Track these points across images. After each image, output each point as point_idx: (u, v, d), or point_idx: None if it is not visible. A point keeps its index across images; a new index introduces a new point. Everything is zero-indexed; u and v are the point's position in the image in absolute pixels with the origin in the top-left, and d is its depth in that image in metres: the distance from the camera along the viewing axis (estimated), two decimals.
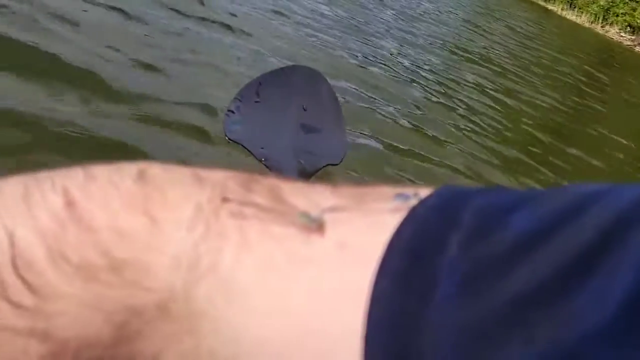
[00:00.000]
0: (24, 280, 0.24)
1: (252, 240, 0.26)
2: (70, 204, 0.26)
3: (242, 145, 1.14)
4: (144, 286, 0.25)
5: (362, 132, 2.99)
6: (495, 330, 0.20)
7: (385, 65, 4.69)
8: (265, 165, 1.09)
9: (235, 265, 0.25)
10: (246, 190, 0.28)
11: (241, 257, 0.25)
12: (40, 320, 0.24)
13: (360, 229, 0.26)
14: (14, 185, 0.27)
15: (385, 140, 3.10)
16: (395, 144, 3.11)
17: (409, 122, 3.58)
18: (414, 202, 0.26)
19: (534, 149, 4.22)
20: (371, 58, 4.71)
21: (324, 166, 1.11)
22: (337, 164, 1.15)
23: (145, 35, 2.97)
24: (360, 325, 0.22)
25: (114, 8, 3.08)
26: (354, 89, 3.71)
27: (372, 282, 0.23)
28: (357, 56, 4.60)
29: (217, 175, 0.29)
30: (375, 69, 4.40)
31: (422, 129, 3.52)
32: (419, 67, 5.10)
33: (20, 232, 0.25)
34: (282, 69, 1.51)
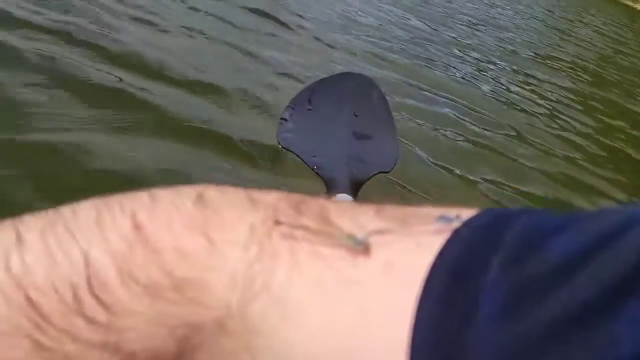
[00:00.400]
0: (97, 299, 0.26)
1: (303, 261, 0.27)
2: (137, 226, 0.28)
3: (294, 153, 1.16)
4: (204, 303, 0.27)
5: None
6: (534, 352, 0.21)
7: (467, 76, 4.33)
8: (316, 173, 1.10)
9: (287, 285, 0.27)
10: (296, 212, 0.30)
11: (292, 277, 0.27)
12: (112, 334, 0.26)
13: (404, 251, 0.27)
14: (87, 209, 0.29)
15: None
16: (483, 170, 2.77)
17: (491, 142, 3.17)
18: (456, 224, 0.27)
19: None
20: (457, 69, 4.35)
21: (375, 174, 1.12)
22: (388, 172, 1.15)
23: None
24: (405, 344, 0.24)
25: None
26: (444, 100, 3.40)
27: (417, 303, 0.24)
28: (452, 71, 4.23)
29: (269, 198, 0.31)
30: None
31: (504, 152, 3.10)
32: (506, 73, 4.55)
33: (94, 253, 0.27)
34: (333, 75, 1.53)
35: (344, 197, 1.01)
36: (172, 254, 0.28)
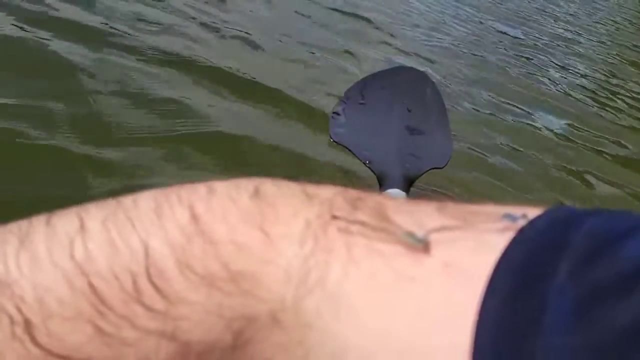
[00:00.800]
0: (156, 287, 0.27)
1: (359, 257, 0.27)
2: (194, 218, 0.28)
3: (346, 148, 1.16)
4: (258, 296, 0.27)
5: None
6: None
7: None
8: (369, 167, 1.10)
9: (342, 280, 0.26)
10: (352, 207, 0.29)
11: (348, 272, 0.26)
12: (169, 323, 0.27)
13: (466, 249, 0.26)
14: (147, 199, 0.30)
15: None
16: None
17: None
18: (522, 222, 0.26)
19: None
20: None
21: (428, 170, 1.10)
22: (441, 168, 1.13)
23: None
24: (467, 345, 0.23)
25: None
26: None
27: (480, 303, 0.23)
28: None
29: (325, 192, 0.31)
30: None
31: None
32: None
33: (153, 243, 0.28)
34: (386, 70, 1.51)
35: (396, 192, 1.00)
36: (229, 246, 0.28)
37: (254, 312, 0.27)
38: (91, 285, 0.27)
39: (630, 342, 0.20)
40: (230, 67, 2.13)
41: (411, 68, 1.46)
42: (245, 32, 2.47)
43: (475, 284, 0.24)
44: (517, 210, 0.27)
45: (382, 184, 1.04)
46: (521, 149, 2.26)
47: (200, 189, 0.30)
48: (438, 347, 0.24)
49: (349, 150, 1.15)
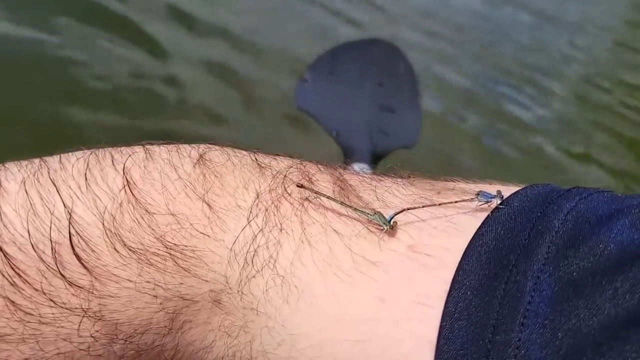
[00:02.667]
0: (80, 260, 0.23)
1: (315, 237, 0.24)
2: (129, 184, 0.25)
3: (311, 116, 1.11)
4: (198, 275, 0.24)
5: None
6: (588, 350, 0.18)
7: None
8: (335, 140, 1.06)
9: (295, 262, 0.23)
10: (309, 182, 0.26)
11: (302, 253, 0.24)
12: (94, 300, 0.23)
13: (435, 231, 0.23)
14: (76, 160, 0.26)
15: None
16: None
17: None
18: (496, 202, 0.24)
19: None
20: None
21: (397, 148, 1.08)
22: (410, 148, 1.10)
23: None
24: (432, 336, 0.20)
25: None
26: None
27: (448, 290, 0.21)
28: None
29: (280, 164, 0.28)
30: None
31: None
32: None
33: (79, 210, 0.24)
34: (359, 40, 1.47)
35: (363, 167, 0.97)
36: (166, 217, 0.24)
37: (193, 293, 0.24)
38: (4, 254, 0.23)
39: (610, 336, 0.18)
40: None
41: (386, 41, 1.42)
42: None
43: (443, 269, 0.22)
44: (491, 188, 0.25)
45: (348, 157, 1.01)
46: (499, 130, 2.19)
47: (138, 152, 0.27)
48: (400, 337, 0.21)
49: (315, 119, 1.10)
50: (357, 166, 0.96)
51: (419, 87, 1.25)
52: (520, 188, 0.25)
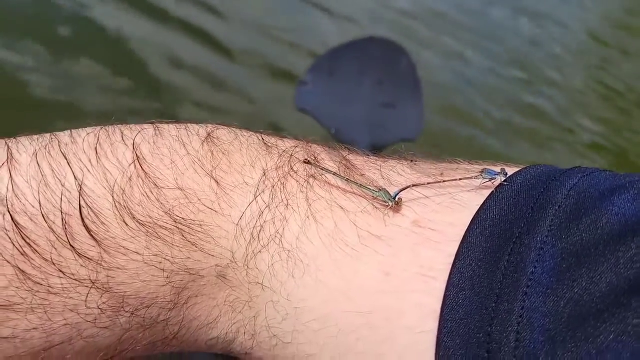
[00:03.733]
0: (89, 232, 0.24)
1: (320, 212, 0.24)
2: (139, 159, 0.25)
3: (311, 115, 1.12)
4: (205, 249, 0.24)
5: None
6: (590, 318, 0.18)
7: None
8: (333, 136, 1.06)
9: (301, 237, 0.24)
10: (316, 161, 0.27)
11: (308, 229, 0.24)
12: (102, 272, 0.24)
13: (439, 207, 0.24)
14: (86, 135, 0.26)
15: None
16: None
17: None
18: (500, 179, 0.24)
19: None
20: None
21: (397, 142, 1.08)
22: (412, 141, 1.11)
23: None
24: (436, 306, 0.21)
25: None
26: None
27: (453, 262, 0.21)
28: None
29: (286, 144, 0.28)
30: None
31: None
32: None
33: (89, 182, 0.24)
34: (359, 40, 1.47)
35: None
36: (175, 192, 0.25)
37: (200, 267, 0.24)
38: (16, 224, 0.23)
39: (611, 304, 0.18)
40: None
41: (385, 39, 1.42)
42: None
43: (447, 243, 0.22)
44: (494, 167, 0.25)
45: None
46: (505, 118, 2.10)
47: (148, 129, 0.27)
48: (404, 309, 0.21)
49: (314, 118, 1.11)
50: None
51: (421, 81, 1.25)
52: (523, 167, 0.25)
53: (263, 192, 0.25)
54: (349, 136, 1.04)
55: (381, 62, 1.25)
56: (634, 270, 0.19)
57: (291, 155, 0.27)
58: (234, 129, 0.28)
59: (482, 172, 0.24)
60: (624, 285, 0.18)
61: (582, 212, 0.21)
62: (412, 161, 0.26)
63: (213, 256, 0.24)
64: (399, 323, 0.21)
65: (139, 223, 0.24)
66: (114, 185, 0.24)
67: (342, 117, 1.10)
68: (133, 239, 0.24)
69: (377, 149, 1.02)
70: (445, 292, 0.21)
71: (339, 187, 0.25)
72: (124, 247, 0.24)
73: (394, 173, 0.26)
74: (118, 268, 0.24)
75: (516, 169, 0.25)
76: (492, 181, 0.24)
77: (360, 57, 1.25)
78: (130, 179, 0.25)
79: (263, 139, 0.28)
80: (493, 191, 0.23)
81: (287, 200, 0.25)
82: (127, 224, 0.24)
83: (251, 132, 0.29)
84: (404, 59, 1.23)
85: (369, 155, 0.28)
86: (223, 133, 0.28)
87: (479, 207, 0.23)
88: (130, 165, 0.25)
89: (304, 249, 0.24)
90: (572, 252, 0.20)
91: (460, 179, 0.25)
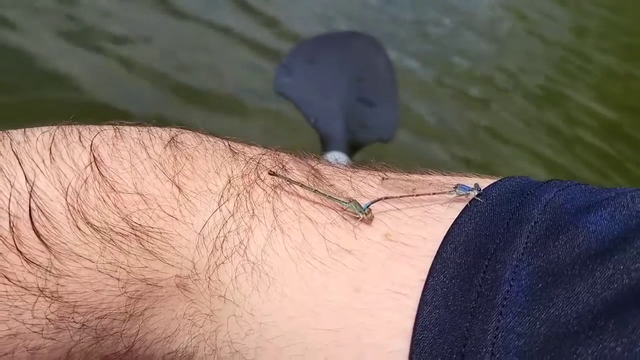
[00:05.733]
0: (39, 236, 0.22)
1: (287, 223, 0.23)
2: (96, 161, 0.24)
3: (290, 100, 1.09)
4: (164, 259, 0.23)
5: None
6: (566, 340, 0.18)
7: None
8: (314, 126, 1.05)
9: (266, 249, 0.23)
10: (283, 170, 0.26)
11: (274, 240, 0.23)
12: (51, 279, 0.22)
13: (412, 220, 0.23)
14: (41, 134, 0.25)
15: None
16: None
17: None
18: (474, 193, 0.23)
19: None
20: None
21: (373, 141, 1.07)
22: (386, 142, 1.10)
23: None
24: (407, 325, 0.20)
25: None
26: None
27: (426, 279, 0.21)
28: None
29: (253, 151, 0.27)
30: None
31: None
32: None
33: (41, 184, 0.23)
34: (341, 32, 1.45)
35: (340, 155, 0.96)
36: (133, 197, 0.23)
37: (157, 277, 0.23)
38: None
39: (588, 327, 0.18)
40: None
41: (366, 35, 1.41)
42: None
43: (420, 258, 0.21)
44: (468, 181, 0.24)
45: (326, 145, 1.00)
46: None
47: (108, 130, 0.25)
48: (374, 327, 0.21)
49: (294, 104, 1.09)
50: (334, 154, 0.96)
51: (396, 83, 1.25)
52: (497, 180, 0.24)
53: (227, 200, 0.24)
54: (328, 129, 1.03)
55: (361, 57, 1.24)
56: (611, 291, 0.18)
57: (258, 163, 0.25)
58: (199, 134, 0.27)
59: (455, 187, 0.24)
60: (601, 306, 0.18)
61: (558, 229, 0.21)
62: (383, 178, 0.25)
63: (172, 266, 0.23)
64: (369, 341, 0.20)
65: (94, 228, 0.22)
66: (68, 188, 0.23)
67: (321, 107, 1.08)
68: (86, 245, 0.22)
69: (354, 147, 1.01)
70: (418, 310, 0.20)
71: (307, 198, 0.24)
72: (76, 254, 0.22)
73: (364, 184, 0.25)
74: (69, 275, 0.22)
75: (490, 181, 0.24)
76: (466, 195, 0.23)
77: (341, 49, 1.24)
78: (85, 182, 0.23)
79: (229, 144, 0.27)
80: (467, 205, 0.23)
81: (253, 210, 0.24)
82: (80, 229, 0.22)
83: (217, 138, 0.27)
84: (384, 57, 1.22)
85: (338, 165, 0.27)
86: (187, 137, 0.26)
87: (452, 220, 0.22)
88: (86, 167, 0.23)
89: (270, 262, 0.22)
90: (549, 271, 0.19)
91: (434, 193, 0.24)
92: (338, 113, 1.06)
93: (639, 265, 0.18)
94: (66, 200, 0.23)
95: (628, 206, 0.21)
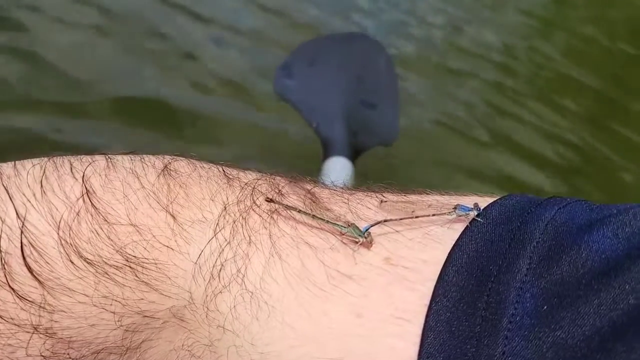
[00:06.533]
0: (31, 271, 0.22)
1: (285, 250, 0.23)
2: (88, 193, 0.23)
3: (291, 104, 1.08)
4: (160, 290, 0.23)
5: None
6: None
7: None
8: (315, 130, 1.04)
9: (265, 277, 0.22)
10: (279, 194, 0.25)
11: (272, 268, 0.22)
12: (45, 315, 0.22)
13: (412, 243, 0.23)
14: (32, 166, 0.24)
15: None
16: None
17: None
18: (473, 213, 0.23)
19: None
20: None
21: (375, 146, 1.06)
22: (388, 146, 1.09)
23: None
24: (412, 351, 0.20)
25: None
26: None
27: (428, 304, 0.20)
28: None
29: (248, 176, 0.26)
30: None
31: None
32: None
33: (33, 218, 0.22)
34: (342, 34, 1.44)
35: (343, 160, 0.95)
36: (126, 228, 0.23)
37: (154, 309, 0.23)
38: None
39: (595, 349, 0.18)
40: None
41: (368, 37, 1.41)
42: None
43: (422, 281, 0.21)
44: (467, 200, 0.24)
45: (328, 150, 0.99)
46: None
47: (99, 160, 0.25)
48: (377, 354, 0.20)
49: (294, 107, 1.07)
50: (337, 159, 0.95)
51: (398, 85, 1.23)
52: (496, 198, 0.24)
53: (223, 227, 0.23)
54: (329, 132, 1.02)
55: (362, 59, 1.23)
56: (617, 312, 0.18)
57: (253, 188, 0.25)
58: (193, 161, 0.27)
59: (455, 207, 0.23)
60: (607, 327, 0.18)
61: (560, 249, 0.20)
62: (382, 201, 0.25)
63: (169, 297, 0.23)
64: None
65: (87, 262, 0.22)
66: (60, 221, 0.22)
67: (322, 111, 1.07)
68: (80, 280, 0.22)
69: (357, 152, 1.00)
70: (422, 336, 0.20)
71: (305, 223, 0.24)
72: (69, 288, 0.22)
73: (362, 206, 0.25)
74: (63, 311, 0.22)
75: (489, 200, 0.24)
76: (466, 215, 0.23)
77: (341, 51, 1.23)
78: (78, 214, 0.23)
79: (224, 170, 0.26)
80: (467, 225, 0.22)
81: (250, 237, 0.23)
82: (73, 263, 0.22)
83: (211, 164, 0.27)
84: (384, 58, 1.21)
85: (335, 188, 0.27)
86: (181, 165, 0.26)
87: (453, 242, 0.22)
88: (78, 199, 0.23)
89: (269, 290, 0.22)
90: (553, 292, 0.19)
91: (434, 215, 0.23)
92: (339, 117, 1.04)
93: (637, 289, 0.18)
94: (58, 234, 0.22)
95: (630, 223, 0.21)
